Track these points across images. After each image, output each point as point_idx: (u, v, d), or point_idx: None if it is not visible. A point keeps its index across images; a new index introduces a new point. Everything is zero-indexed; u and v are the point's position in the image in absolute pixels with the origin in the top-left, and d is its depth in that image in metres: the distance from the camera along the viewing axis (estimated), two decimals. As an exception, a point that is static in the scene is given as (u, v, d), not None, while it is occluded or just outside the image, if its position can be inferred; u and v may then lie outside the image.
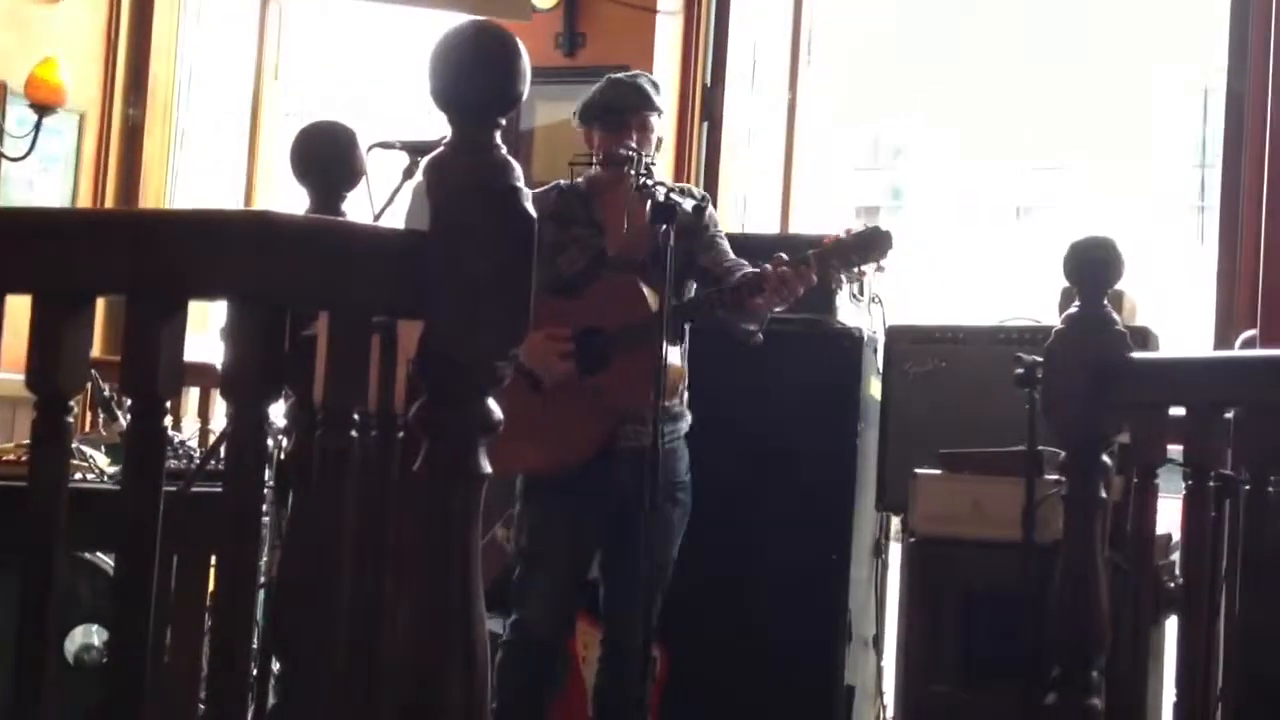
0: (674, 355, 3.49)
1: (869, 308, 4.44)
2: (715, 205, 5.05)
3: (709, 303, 3.53)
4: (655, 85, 3.74)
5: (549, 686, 3.77)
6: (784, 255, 3.45)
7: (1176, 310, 4.81)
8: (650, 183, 3.42)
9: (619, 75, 3.75)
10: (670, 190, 3.38)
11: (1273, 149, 4.13)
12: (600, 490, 3.58)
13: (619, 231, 3.64)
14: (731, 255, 3.67)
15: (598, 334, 3.58)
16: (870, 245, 3.47)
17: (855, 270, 3.62)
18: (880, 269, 3.56)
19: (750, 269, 3.54)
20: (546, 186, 3.78)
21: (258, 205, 5.36)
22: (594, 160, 3.66)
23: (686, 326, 3.66)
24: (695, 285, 3.70)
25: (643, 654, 3.20)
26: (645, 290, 3.55)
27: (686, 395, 3.71)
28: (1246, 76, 4.41)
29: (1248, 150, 4.39)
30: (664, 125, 3.83)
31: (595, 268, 3.66)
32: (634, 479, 3.51)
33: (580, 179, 3.74)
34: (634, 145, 3.53)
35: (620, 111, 3.63)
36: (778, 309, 3.52)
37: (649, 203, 3.30)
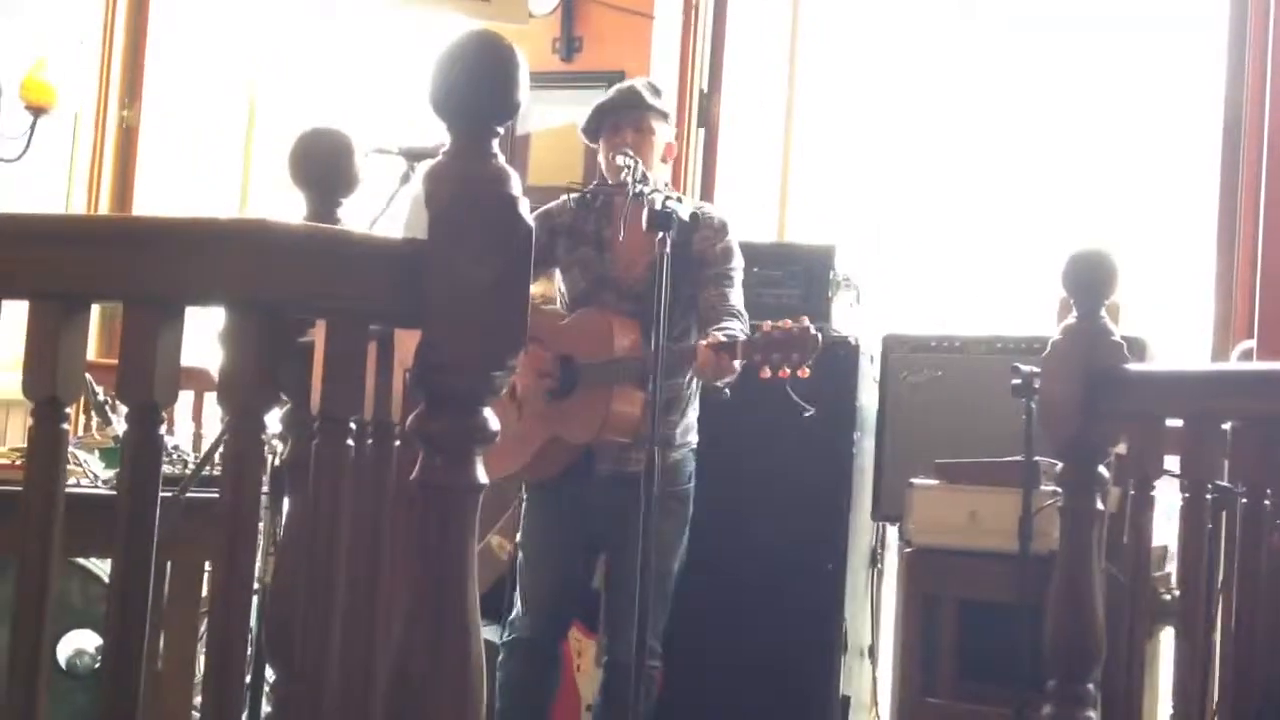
0: (633, 402, 3.41)
1: (863, 316, 4.43)
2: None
3: (678, 358, 3.36)
4: (655, 89, 3.67)
5: (547, 692, 3.74)
6: (720, 336, 3.30)
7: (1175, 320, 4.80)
8: (646, 190, 3.27)
9: (621, 83, 3.73)
10: (668, 198, 3.22)
11: (1270, 164, 4.13)
12: (584, 501, 3.58)
13: (622, 253, 3.58)
14: (729, 301, 3.50)
15: (569, 363, 3.56)
16: (794, 345, 3.21)
17: (776, 371, 3.26)
18: (805, 373, 3.31)
19: (729, 323, 3.39)
20: (563, 198, 3.70)
21: (253, 210, 5.35)
22: (587, 187, 3.64)
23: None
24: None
25: (637, 666, 3.14)
26: (615, 330, 3.48)
27: (687, 422, 3.62)
28: (1244, 91, 4.42)
29: (1245, 165, 4.39)
30: (671, 133, 3.76)
31: (597, 290, 3.60)
32: (618, 496, 3.44)
33: (601, 192, 3.64)
34: (629, 151, 3.44)
35: (612, 112, 3.59)
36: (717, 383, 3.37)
37: (645, 215, 3.17)
